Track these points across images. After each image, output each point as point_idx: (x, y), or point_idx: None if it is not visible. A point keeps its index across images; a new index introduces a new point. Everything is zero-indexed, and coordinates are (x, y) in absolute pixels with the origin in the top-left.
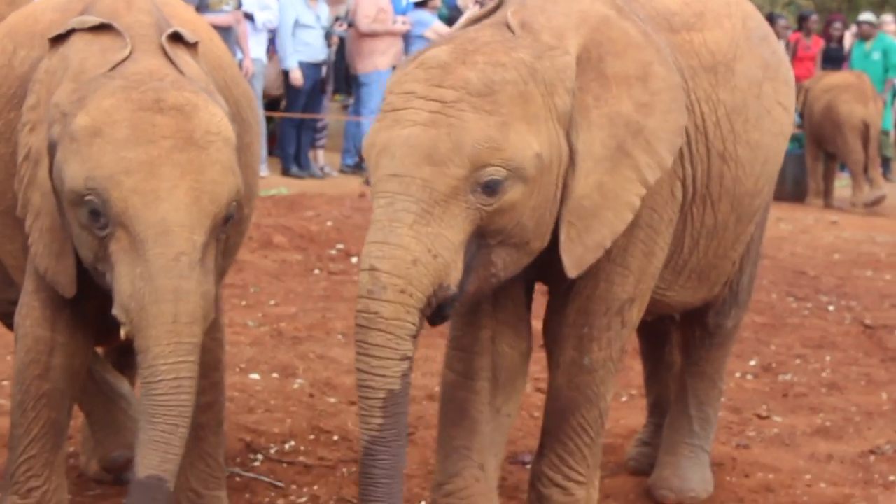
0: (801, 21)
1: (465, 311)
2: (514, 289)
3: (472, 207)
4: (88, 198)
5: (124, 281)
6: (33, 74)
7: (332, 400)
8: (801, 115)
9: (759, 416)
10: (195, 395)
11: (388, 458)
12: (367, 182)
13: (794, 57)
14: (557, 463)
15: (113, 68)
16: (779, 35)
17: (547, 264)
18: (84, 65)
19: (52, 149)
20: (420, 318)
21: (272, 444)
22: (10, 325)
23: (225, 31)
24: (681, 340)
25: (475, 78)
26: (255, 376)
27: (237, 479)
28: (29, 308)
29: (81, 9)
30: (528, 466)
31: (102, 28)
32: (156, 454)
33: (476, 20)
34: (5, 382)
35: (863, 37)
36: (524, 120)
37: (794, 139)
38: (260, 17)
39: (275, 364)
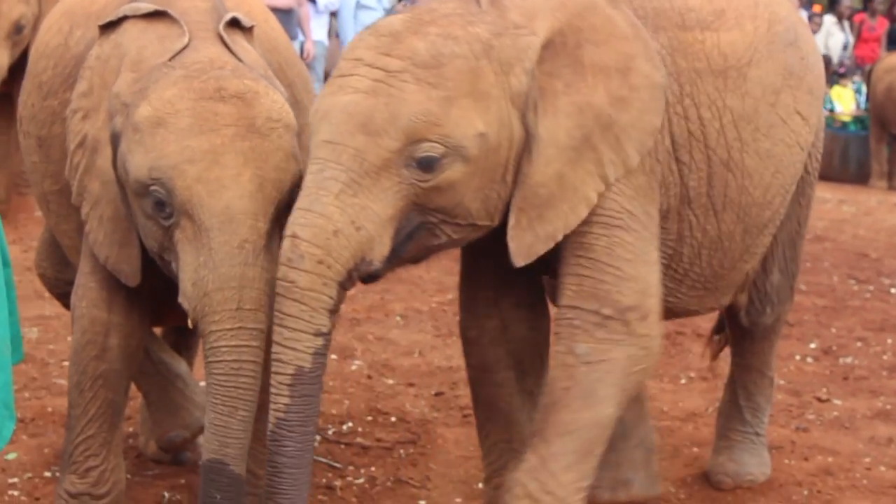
0: (866, 2)
1: (468, 301)
2: (519, 274)
3: (405, 182)
4: (153, 188)
5: (189, 269)
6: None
7: (390, 381)
8: (867, 97)
9: (819, 399)
10: (258, 381)
11: (293, 445)
12: None
13: (859, 38)
14: (537, 467)
15: (172, 57)
16: (843, 16)
17: (546, 257)
18: (142, 54)
19: (114, 139)
20: (338, 292)
21: (330, 426)
22: (67, 306)
23: (286, 14)
24: (730, 338)
25: (423, 49)
26: None
27: None
28: (85, 289)
29: None
30: None
31: (157, 15)
32: (216, 438)
33: None
34: (65, 363)
35: None
36: (471, 97)
37: (858, 120)
38: (322, 0)
39: (333, 346)
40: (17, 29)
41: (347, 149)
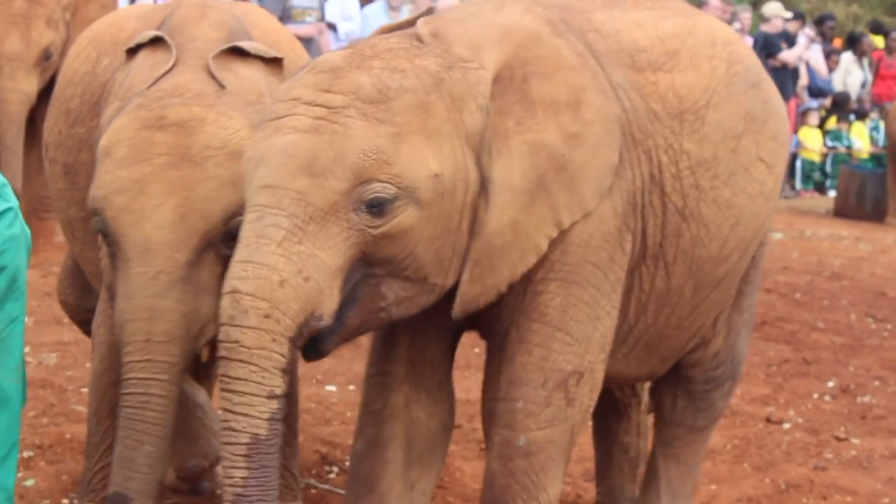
0: (886, 39)
1: (377, 369)
2: (434, 344)
3: (354, 228)
4: (95, 218)
5: (118, 298)
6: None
7: None
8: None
9: (837, 438)
10: (168, 415)
11: None
12: None
13: (877, 76)
14: None
15: (151, 84)
16: (864, 53)
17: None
18: (132, 81)
19: None
20: (290, 349)
21: (348, 457)
22: (88, 332)
23: (308, 42)
24: (655, 418)
25: (368, 83)
26: (331, 388)
27: (312, 490)
28: (104, 316)
29: (163, 17)
30: None
31: (158, 41)
32: (120, 472)
33: (390, 30)
34: (83, 389)
35: None
36: (422, 134)
37: (875, 158)
38: (343, 28)
39: (351, 376)
40: (47, 56)
41: (289, 192)
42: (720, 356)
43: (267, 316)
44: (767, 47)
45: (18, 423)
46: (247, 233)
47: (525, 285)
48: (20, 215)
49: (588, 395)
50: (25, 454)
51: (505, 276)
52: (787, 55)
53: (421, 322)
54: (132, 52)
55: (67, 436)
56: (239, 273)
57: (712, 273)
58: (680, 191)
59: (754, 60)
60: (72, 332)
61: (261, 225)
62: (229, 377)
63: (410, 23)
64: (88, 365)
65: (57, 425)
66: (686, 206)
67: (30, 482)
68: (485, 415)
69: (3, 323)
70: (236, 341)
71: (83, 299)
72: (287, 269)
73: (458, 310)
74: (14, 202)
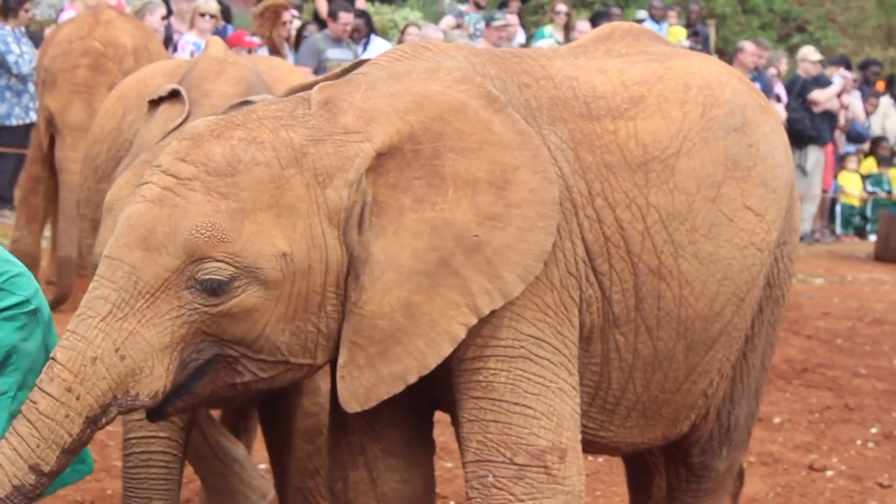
0: None
1: (333, 447)
2: (394, 411)
3: (186, 307)
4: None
5: None
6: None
7: (449, 465)
8: None
9: (881, 485)
10: (173, 471)
11: None
12: None
13: None
14: None
15: (162, 139)
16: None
17: (436, 387)
18: (146, 135)
19: None
20: (83, 428)
21: None
22: None
23: None
24: (665, 482)
25: (219, 154)
26: None
27: None
28: None
29: (184, 73)
30: None
31: (175, 95)
32: None
33: (298, 90)
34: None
35: None
36: (272, 211)
37: None
38: None
39: None
40: None
41: (123, 265)
42: (711, 427)
43: (69, 390)
44: (802, 91)
45: None
46: (83, 301)
47: (458, 365)
48: (35, 302)
49: (577, 477)
50: None
51: (410, 365)
52: (818, 95)
53: None
54: (153, 104)
55: (109, 492)
56: (62, 342)
57: (705, 332)
58: (652, 249)
59: (740, 103)
60: None
61: (92, 296)
62: (13, 429)
63: (317, 83)
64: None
65: (98, 481)
66: (662, 265)
67: None
68: (467, 498)
69: None
70: (34, 402)
71: None
72: (103, 346)
73: (348, 404)
74: (24, 292)
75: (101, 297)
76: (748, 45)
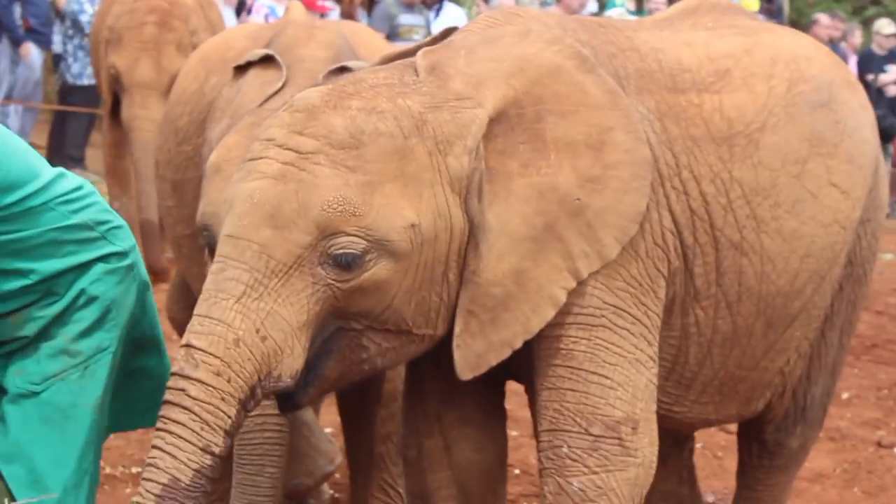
0: None
1: (408, 414)
2: (470, 380)
3: (320, 283)
4: (204, 233)
5: None
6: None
7: (514, 433)
8: None
9: None
10: (285, 435)
11: None
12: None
13: None
14: None
15: (262, 103)
16: None
17: (510, 356)
18: (241, 99)
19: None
20: (238, 410)
21: None
22: None
23: None
24: (738, 458)
25: (341, 126)
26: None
27: None
28: None
29: (271, 36)
30: None
31: (269, 60)
32: (245, 497)
33: (394, 58)
34: None
35: None
36: (398, 181)
37: None
38: None
39: None
40: None
41: (251, 245)
42: (787, 405)
43: (218, 374)
44: (864, 67)
45: (96, 452)
46: (208, 284)
47: (540, 332)
48: (132, 257)
49: (649, 448)
50: (134, 470)
51: (517, 330)
52: (883, 78)
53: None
54: (241, 69)
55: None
56: (195, 327)
57: (785, 309)
58: (734, 223)
59: (827, 79)
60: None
61: (221, 278)
62: (167, 418)
63: (416, 50)
64: None
65: (118, 447)
66: (744, 240)
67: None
68: (539, 467)
69: (91, 350)
70: (182, 389)
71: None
72: (243, 328)
73: (463, 372)
74: (125, 245)
75: (233, 279)
76: (823, 18)
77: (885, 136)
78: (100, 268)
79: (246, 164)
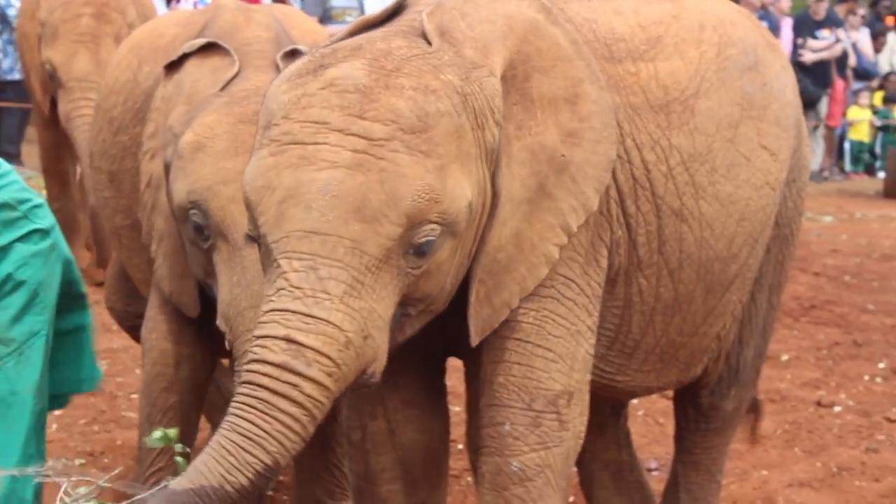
0: None
1: (352, 397)
2: (411, 360)
3: (402, 274)
4: (192, 211)
5: (224, 290)
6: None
7: (456, 409)
8: None
9: (889, 420)
10: None
11: None
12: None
13: None
14: None
15: (223, 88)
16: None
17: (451, 332)
18: (196, 86)
19: (167, 171)
20: (330, 407)
21: None
22: (137, 338)
23: None
24: (675, 423)
25: (406, 108)
26: None
27: None
28: (155, 322)
29: (203, 22)
30: (654, 474)
31: (211, 47)
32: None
33: (372, 24)
34: (133, 395)
35: None
36: (458, 161)
37: None
38: None
39: None
40: None
41: (342, 241)
42: (720, 369)
43: (329, 375)
44: (798, 30)
45: (40, 436)
46: (298, 282)
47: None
48: (53, 236)
49: (579, 419)
50: (77, 462)
51: (514, 291)
52: (813, 43)
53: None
54: (175, 65)
55: (119, 442)
56: (299, 325)
57: (723, 273)
58: (674, 190)
59: (752, 41)
60: (121, 340)
61: (316, 277)
62: (275, 407)
63: (394, 12)
64: (138, 371)
65: (108, 432)
66: (684, 206)
67: (82, 489)
68: (470, 445)
69: (23, 336)
70: (293, 384)
71: (131, 305)
72: (352, 329)
73: (475, 337)
74: (45, 223)
75: (331, 278)
76: None
77: (806, 103)
78: (23, 250)
79: (291, 149)
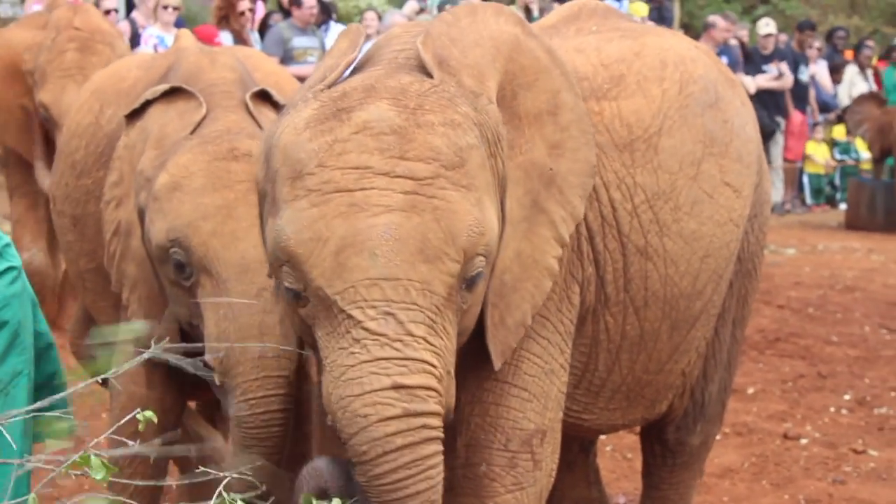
0: (889, 50)
1: (322, 436)
2: None
3: (459, 309)
4: (172, 250)
5: (210, 324)
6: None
7: None
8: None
9: (855, 451)
10: (289, 429)
11: None
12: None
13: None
14: None
15: (193, 130)
16: (864, 66)
17: None
18: (164, 130)
19: (141, 215)
20: None
21: None
22: (102, 382)
23: None
24: (642, 459)
25: (443, 145)
26: None
27: None
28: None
29: (167, 66)
30: None
31: (175, 92)
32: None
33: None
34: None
35: None
36: (487, 191)
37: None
38: None
39: None
40: None
41: (413, 283)
42: (686, 404)
43: (440, 405)
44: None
45: (28, 477)
46: (380, 329)
47: (468, 341)
48: (24, 274)
49: (551, 457)
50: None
51: (526, 309)
52: (748, 82)
53: None
54: (135, 114)
55: (86, 487)
56: (399, 370)
57: (688, 310)
58: (639, 228)
59: (712, 78)
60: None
61: (395, 321)
62: (422, 456)
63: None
64: (104, 415)
65: (76, 476)
66: (648, 245)
67: None
68: (445, 485)
69: (7, 376)
70: (424, 425)
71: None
72: (440, 366)
73: (496, 361)
74: (17, 262)
75: (410, 321)
76: (719, 21)
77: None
78: (2, 289)
79: (337, 197)
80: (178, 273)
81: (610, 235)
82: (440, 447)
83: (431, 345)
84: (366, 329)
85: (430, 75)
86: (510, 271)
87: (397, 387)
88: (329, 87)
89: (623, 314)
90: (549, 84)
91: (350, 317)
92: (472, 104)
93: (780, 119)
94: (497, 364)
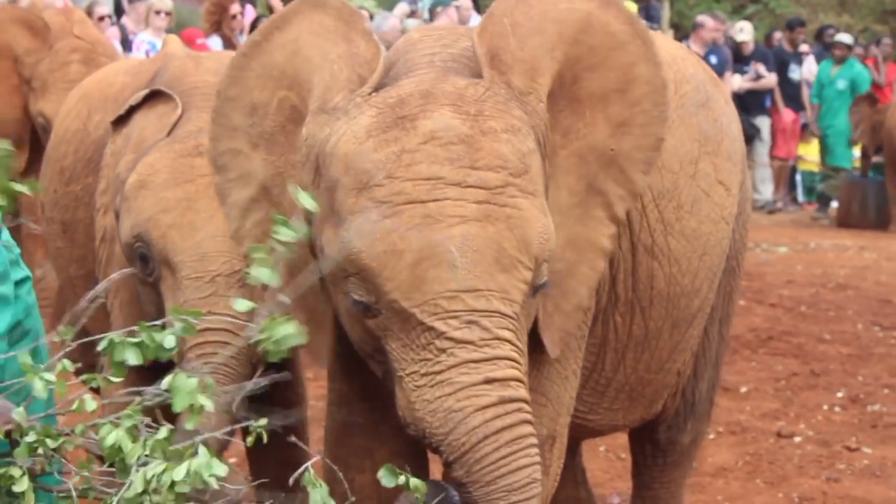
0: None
1: (338, 450)
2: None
3: (528, 316)
4: (136, 245)
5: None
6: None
7: None
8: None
9: (849, 449)
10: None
11: None
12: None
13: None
14: None
15: (169, 132)
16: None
17: None
18: (143, 134)
19: (117, 218)
20: None
21: None
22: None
23: None
24: (631, 458)
25: (509, 153)
26: None
27: None
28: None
29: (154, 71)
30: None
31: (156, 95)
32: None
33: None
34: None
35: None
36: (544, 195)
37: (876, 167)
38: None
39: None
40: None
41: (494, 293)
42: (677, 403)
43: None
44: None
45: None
46: (466, 337)
47: None
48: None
49: (557, 462)
50: None
51: (583, 293)
52: (735, 84)
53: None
54: (121, 120)
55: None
56: (489, 367)
57: (687, 308)
58: (647, 228)
59: (701, 78)
60: (75, 389)
61: (481, 328)
62: (521, 436)
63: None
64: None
65: None
66: (654, 244)
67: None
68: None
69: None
70: (519, 408)
71: (85, 356)
72: (524, 366)
73: (553, 349)
74: (29, 272)
75: (496, 328)
76: (707, 20)
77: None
78: (26, 298)
79: (409, 209)
80: (142, 268)
81: (623, 235)
82: (535, 430)
83: (516, 347)
84: (450, 338)
85: (476, 68)
86: (562, 258)
87: (489, 381)
88: (374, 90)
89: (630, 313)
90: (621, 59)
91: (431, 328)
92: (524, 107)
93: (763, 119)
94: (555, 352)
